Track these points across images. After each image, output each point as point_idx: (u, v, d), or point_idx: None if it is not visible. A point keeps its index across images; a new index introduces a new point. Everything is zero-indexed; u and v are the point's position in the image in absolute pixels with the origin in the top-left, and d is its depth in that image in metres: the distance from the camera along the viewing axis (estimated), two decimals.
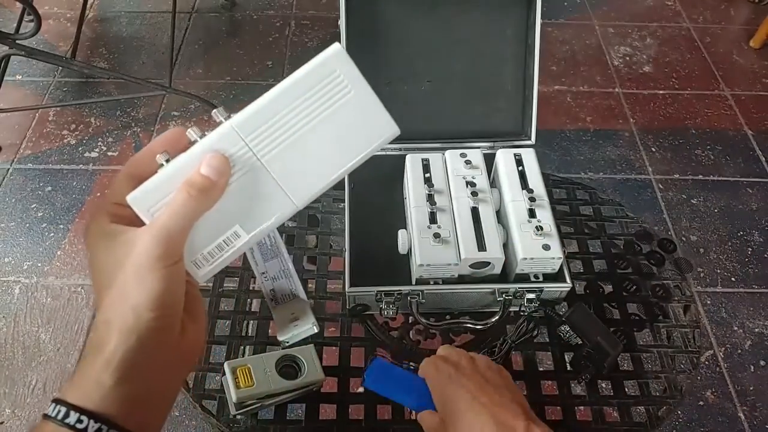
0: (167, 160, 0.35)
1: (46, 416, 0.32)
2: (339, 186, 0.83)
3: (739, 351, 1.31)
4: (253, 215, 0.36)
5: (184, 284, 0.35)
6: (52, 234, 1.44)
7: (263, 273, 0.48)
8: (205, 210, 0.34)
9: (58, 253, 1.40)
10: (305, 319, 0.47)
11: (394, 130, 0.37)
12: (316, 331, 0.48)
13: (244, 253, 0.40)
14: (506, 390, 0.49)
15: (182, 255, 0.34)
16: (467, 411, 0.47)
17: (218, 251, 0.36)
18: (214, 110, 0.35)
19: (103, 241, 0.34)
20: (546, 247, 0.66)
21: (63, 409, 0.32)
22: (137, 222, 0.35)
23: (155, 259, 0.32)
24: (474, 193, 0.70)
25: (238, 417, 0.62)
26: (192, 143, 0.35)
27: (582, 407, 0.65)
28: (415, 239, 0.67)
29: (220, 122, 0.35)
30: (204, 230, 0.35)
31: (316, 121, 0.35)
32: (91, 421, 0.31)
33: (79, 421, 0.31)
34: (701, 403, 1.24)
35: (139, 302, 0.33)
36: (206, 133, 0.35)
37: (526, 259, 0.65)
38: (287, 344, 0.48)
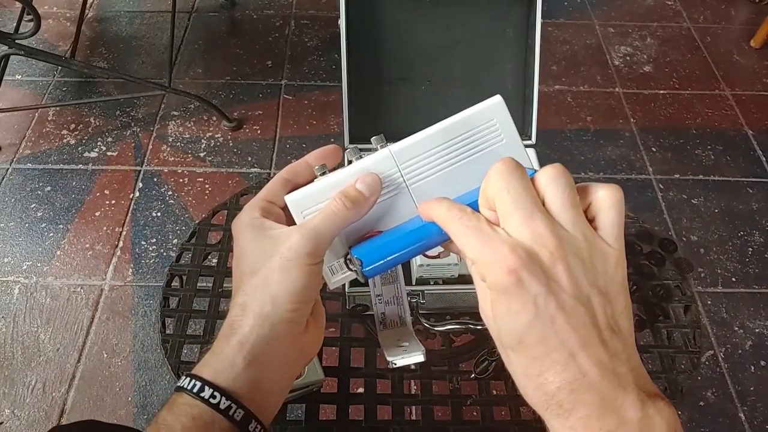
0: (323, 173, 0.39)
1: (180, 388, 0.35)
2: None
3: (740, 351, 1.31)
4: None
5: (321, 285, 0.38)
6: (51, 234, 1.44)
7: (378, 296, 0.49)
8: (353, 221, 0.37)
9: (58, 253, 1.40)
10: (414, 346, 0.47)
11: None
12: (423, 359, 0.47)
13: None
14: (617, 334, 0.29)
15: (324, 258, 0.37)
16: (558, 378, 0.28)
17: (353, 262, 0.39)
18: (373, 137, 0.39)
19: (253, 230, 0.37)
20: None
21: (198, 384, 0.34)
22: (284, 221, 0.39)
23: (303, 255, 0.35)
24: None
25: None
26: (349, 162, 0.39)
27: None
28: None
29: (376, 149, 0.38)
30: (345, 241, 0.38)
31: (465, 161, 0.38)
32: (223, 398, 0.34)
33: (213, 396, 0.34)
34: (702, 403, 1.23)
35: (280, 292, 0.35)
36: (363, 155, 0.38)
37: None
38: (395, 365, 0.47)
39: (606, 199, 0.31)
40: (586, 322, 0.29)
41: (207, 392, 0.34)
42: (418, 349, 0.47)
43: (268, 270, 0.36)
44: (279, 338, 0.36)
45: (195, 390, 0.34)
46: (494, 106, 0.38)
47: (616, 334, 0.29)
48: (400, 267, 0.47)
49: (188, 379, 0.35)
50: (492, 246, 0.29)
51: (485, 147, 0.38)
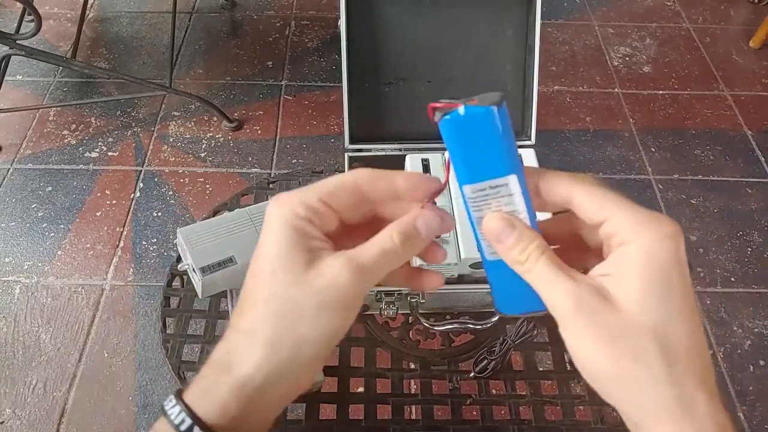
0: None
1: (165, 414, 0.30)
2: None
3: (739, 351, 1.31)
4: (245, 253, 0.64)
5: (350, 325, 0.31)
6: (52, 234, 1.44)
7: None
8: (402, 263, 0.33)
9: (59, 253, 1.41)
10: None
11: None
12: None
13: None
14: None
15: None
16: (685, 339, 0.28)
17: (219, 266, 0.63)
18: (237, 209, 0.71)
19: (291, 235, 0.30)
20: None
21: (187, 421, 0.29)
22: (331, 226, 0.32)
23: (348, 297, 0.29)
24: None
25: None
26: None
27: (582, 407, 0.65)
28: None
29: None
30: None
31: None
32: None
33: None
34: None
35: (308, 336, 0.29)
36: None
37: None
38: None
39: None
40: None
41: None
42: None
43: (298, 302, 0.29)
44: (285, 383, 0.30)
45: (183, 428, 0.29)
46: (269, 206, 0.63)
47: None
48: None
49: (177, 407, 0.30)
50: (645, 212, 0.32)
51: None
